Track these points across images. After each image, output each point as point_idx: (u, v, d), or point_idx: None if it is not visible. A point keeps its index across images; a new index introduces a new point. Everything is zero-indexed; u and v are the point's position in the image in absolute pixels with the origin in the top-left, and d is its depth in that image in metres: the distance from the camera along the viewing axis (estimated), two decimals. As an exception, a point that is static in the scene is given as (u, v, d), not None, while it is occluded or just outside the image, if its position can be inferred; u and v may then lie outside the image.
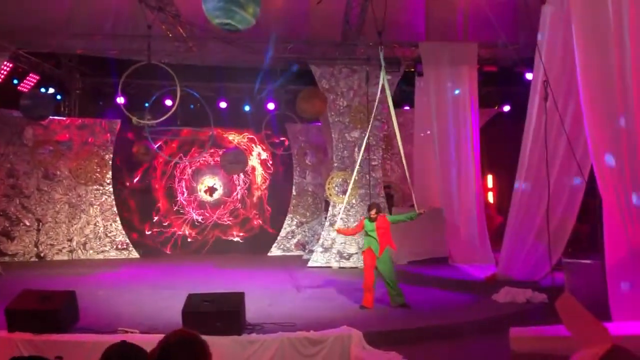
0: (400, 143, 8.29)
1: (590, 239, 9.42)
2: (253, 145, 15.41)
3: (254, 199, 15.39)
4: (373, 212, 8.09)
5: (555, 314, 4.82)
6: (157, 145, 14.31)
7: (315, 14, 11.61)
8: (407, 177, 8.34)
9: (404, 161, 8.27)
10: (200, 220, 15.20)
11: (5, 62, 12.06)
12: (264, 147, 15.25)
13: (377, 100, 8.95)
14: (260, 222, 15.36)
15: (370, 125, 8.83)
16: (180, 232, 15.07)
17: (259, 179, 15.48)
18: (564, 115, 8.19)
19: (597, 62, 6.83)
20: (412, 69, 13.04)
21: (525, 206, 9.14)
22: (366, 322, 7.18)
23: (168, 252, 14.85)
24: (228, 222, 15.28)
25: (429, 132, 12.68)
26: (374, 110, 9.08)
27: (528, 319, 7.27)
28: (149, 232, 14.90)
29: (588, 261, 7.68)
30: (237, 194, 15.36)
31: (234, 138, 15.35)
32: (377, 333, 6.70)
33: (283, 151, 15.12)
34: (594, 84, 6.92)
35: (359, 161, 9.01)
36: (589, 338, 3.43)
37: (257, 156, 15.45)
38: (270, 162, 15.47)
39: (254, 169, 15.41)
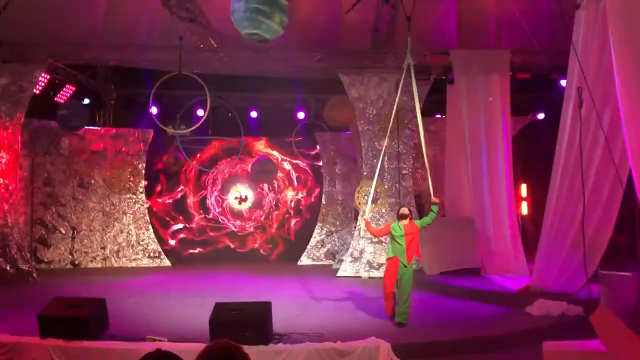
0: (424, 146, 8.07)
1: (629, 250, 9.12)
2: (285, 159, 15.52)
3: (277, 225, 15.55)
4: (406, 220, 7.64)
5: (591, 328, 4.67)
6: (191, 154, 14.52)
7: (344, 23, 11.60)
8: (429, 178, 7.93)
9: (426, 164, 8.09)
10: (234, 228, 15.39)
11: (42, 74, 12.39)
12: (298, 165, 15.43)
13: (395, 105, 8.74)
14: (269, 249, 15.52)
15: (388, 133, 8.62)
16: (208, 240, 15.32)
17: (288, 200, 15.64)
18: (600, 122, 7.95)
19: (636, 66, 6.62)
20: (443, 77, 12.91)
21: (560, 216, 8.89)
22: (395, 334, 7.05)
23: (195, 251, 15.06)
24: (253, 230, 15.48)
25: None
26: (391, 117, 8.83)
27: (562, 332, 7.05)
28: (178, 240, 15.17)
29: (626, 273, 7.40)
30: (264, 209, 15.49)
31: (259, 146, 15.47)
32: (406, 345, 6.57)
33: (311, 159, 15.22)
34: (633, 88, 6.70)
35: (377, 169, 8.77)
36: (626, 354, 3.27)
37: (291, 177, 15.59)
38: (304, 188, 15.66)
39: (284, 186, 15.57)
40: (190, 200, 15.37)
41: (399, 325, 7.54)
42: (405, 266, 7.60)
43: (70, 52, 12.06)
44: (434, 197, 7.77)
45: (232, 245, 15.38)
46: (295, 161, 15.50)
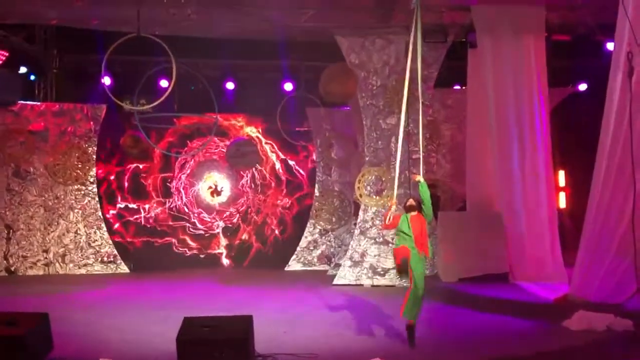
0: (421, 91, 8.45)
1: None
2: (269, 144, 15.61)
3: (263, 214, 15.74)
4: (414, 212, 7.74)
5: (642, 346, 4.69)
6: (153, 135, 14.53)
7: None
8: (421, 145, 8.32)
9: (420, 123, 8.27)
10: (199, 225, 15.48)
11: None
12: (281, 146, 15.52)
13: (408, 71, 8.65)
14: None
15: (404, 109, 8.55)
16: (176, 240, 15.42)
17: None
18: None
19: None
20: (464, 39, 12.88)
21: (606, 210, 8.93)
22: (403, 354, 7.11)
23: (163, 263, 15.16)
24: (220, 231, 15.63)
25: None
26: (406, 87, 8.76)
27: (608, 351, 7.11)
28: (140, 241, 15.23)
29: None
30: (243, 200, 15.58)
31: (237, 124, 15.51)
32: (418, 367, 6.62)
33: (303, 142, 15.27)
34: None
35: (398, 155, 8.70)
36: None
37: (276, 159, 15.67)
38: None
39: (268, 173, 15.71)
40: (150, 181, 15.41)
41: (410, 329, 7.48)
42: (417, 254, 7.55)
43: (1, 8, 11.92)
44: (414, 175, 8.18)
45: (193, 244, 15.46)
46: (284, 157, 15.64)
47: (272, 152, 15.66)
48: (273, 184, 15.69)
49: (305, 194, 15.64)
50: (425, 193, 7.81)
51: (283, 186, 15.74)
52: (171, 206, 15.45)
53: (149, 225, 15.32)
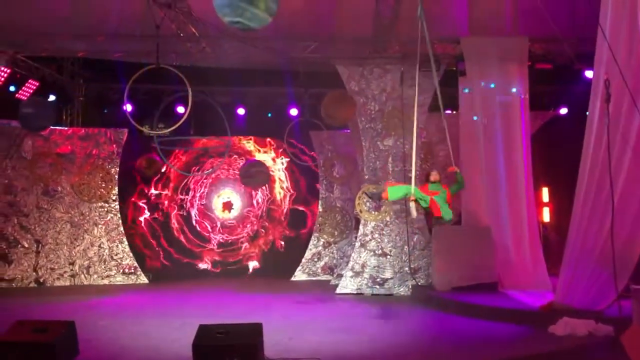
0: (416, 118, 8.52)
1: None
2: (274, 157, 15.67)
3: (273, 223, 15.73)
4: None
5: (622, 350, 4.67)
6: (169, 157, 14.60)
7: (342, 7, 11.60)
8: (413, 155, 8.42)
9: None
10: (217, 238, 15.54)
11: (2, 68, 12.35)
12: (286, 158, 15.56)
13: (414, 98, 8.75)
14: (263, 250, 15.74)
15: (415, 130, 8.66)
16: (191, 251, 15.48)
17: (278, 197, 15.76)
18: (630, 119, 7.98)
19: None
20: (454, 68, 12.93)
21: (587, 223, 8.89)
22: (401, 358, 7.06)
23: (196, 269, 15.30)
24: (244, 242, 15.62)
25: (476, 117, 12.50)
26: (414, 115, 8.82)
27: (590, 354, 7.08)
28: (158, 254, 15.27)
29: (661, 288, 7.42)
30: (254, 212, 15.57)
31: (247, 146, 15.58)
32: (415, 370, 6.58)
33: (310, 162, 15.35)
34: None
35: (413, 170, 8.65)
36: (661, 380, 3.28)
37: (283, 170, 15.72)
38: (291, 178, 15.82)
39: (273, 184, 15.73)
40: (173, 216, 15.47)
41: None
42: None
43: (33, 42, 12.02)
44: (452, 167, 8.69)
45: (195, 251, 15.46)
46: (291, 176, 15.75)
47: (280, 172, 15.69)
48: (279, 206, 15.71)
49: (311, 220, 15.63)
50: (460, 176, 8.69)
51: (289, 204, 15.75)
52: (184, 215, 15.49)
53: (168, 238, 15.34)
